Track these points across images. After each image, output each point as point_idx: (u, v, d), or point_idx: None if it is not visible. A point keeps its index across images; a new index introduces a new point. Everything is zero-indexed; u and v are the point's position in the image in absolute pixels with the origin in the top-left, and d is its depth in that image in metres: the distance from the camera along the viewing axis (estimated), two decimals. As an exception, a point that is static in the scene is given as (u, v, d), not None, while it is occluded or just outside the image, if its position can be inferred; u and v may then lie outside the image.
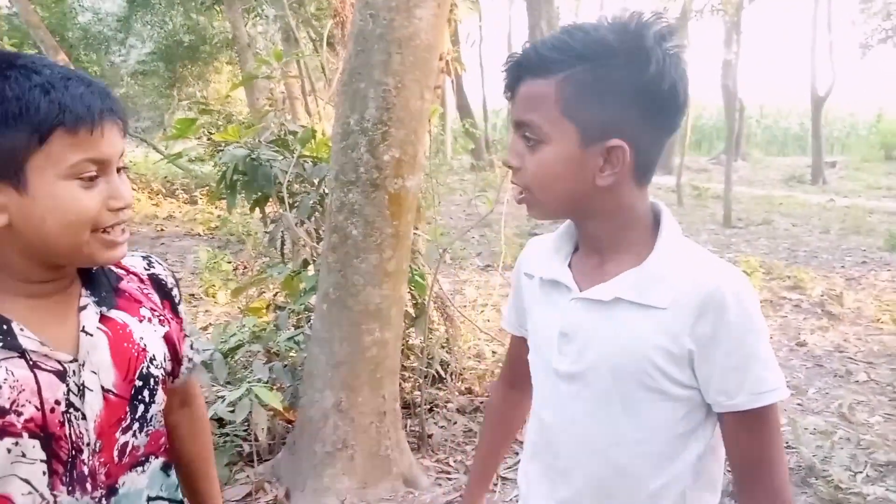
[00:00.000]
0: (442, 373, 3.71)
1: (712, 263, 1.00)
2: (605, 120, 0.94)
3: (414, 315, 3.47)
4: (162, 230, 8.97)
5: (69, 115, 0.84)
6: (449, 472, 3.10)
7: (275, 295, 4.27)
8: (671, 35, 0.94)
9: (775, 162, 18.37)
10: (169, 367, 1.07)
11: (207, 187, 10.19)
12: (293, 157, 3.42)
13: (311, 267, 3.52)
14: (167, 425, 1.22)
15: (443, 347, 3.82)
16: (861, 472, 3.06)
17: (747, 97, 18.04)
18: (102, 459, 0.97)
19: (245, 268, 6.44)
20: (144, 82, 13.64)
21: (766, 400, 0.96)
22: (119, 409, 0.98)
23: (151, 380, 1.02)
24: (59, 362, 0.92)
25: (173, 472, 1.12)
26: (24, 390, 0.89)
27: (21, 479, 0.90)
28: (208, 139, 6.16)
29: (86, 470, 0.95)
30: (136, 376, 1.00)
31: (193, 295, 5.85)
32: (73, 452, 0.94)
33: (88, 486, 0.96)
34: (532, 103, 0.97)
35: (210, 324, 4.96)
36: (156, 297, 1.09)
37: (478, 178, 11.30)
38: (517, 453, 3.08)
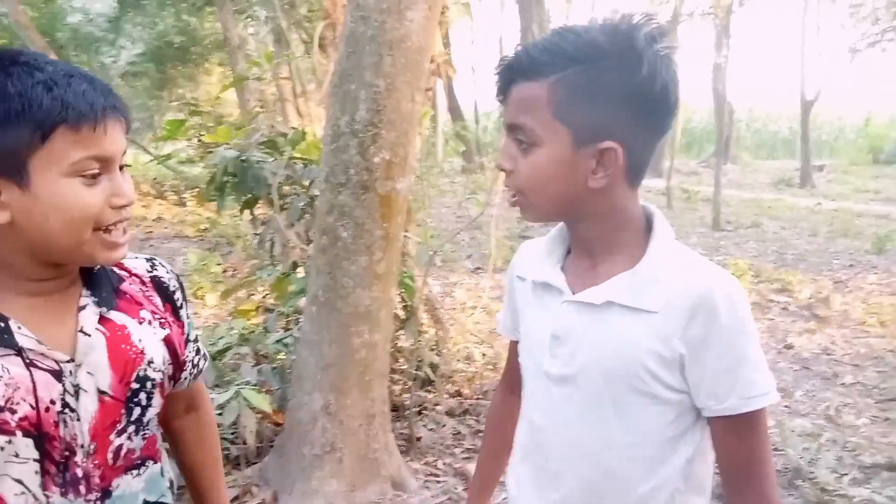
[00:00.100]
0: (431, 375, 3.70)
1: (703, 266, 1.00)
2: (598, 122, 0.94)
3: (403, 317, 3.46)
4: (151, 232, 8.92)
5: (72, 112, 0.84)
6: (437, 475, 3.09)
7: (264, 297, 4.25)
8: (662, 36, 0.94)
9: (764, 165, 18.45)
10: (169, 371, 1.06)
11: (197, 189, 10.14)
12: (283, 158, 3.41)
13: (300, 269, 3.51)
14: (173, 430, 1.20)
15: (432, 350, 3.81)
16: (847, 475, 3.07)
17: (737, 100, 18.12)
18: (97, 462, 0.96)
19: (234, 270, 6.42)
20: (134, 83, 13.55)
21: (756, 404, 0.96)
22: (114, 412, 0.98)
23: (149, 383, 1.01)
24: (55, 362, 0.91)
25: (167, 475, 1.11)
26: (19, 388, 0.88)
27: (13, 479, 0.90)
28: (198, 141, 6.13)
29: (79, 472, 0.95)
30: (133, 379, 0.99)
31: (182, 297, 5.82)
32: (67, 454, 0.93)
33: (82, 489, 0.95)
34: (524, 106, 0.96)
35: (199, 326, 4.94)
36: (157, 300, 1.08)
37: (468, 180, 11.30)
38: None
